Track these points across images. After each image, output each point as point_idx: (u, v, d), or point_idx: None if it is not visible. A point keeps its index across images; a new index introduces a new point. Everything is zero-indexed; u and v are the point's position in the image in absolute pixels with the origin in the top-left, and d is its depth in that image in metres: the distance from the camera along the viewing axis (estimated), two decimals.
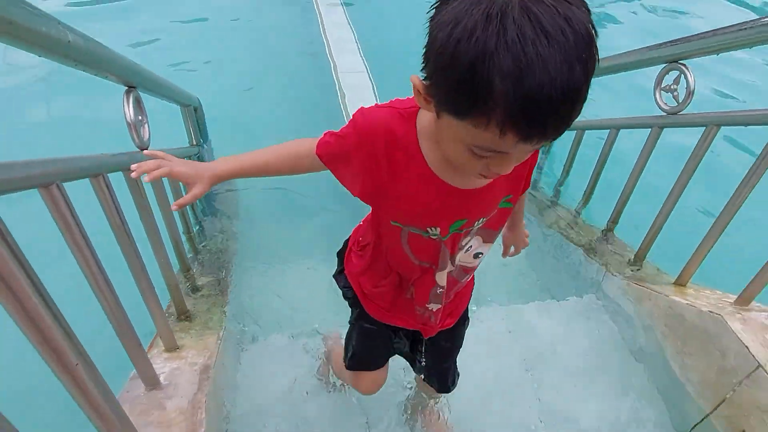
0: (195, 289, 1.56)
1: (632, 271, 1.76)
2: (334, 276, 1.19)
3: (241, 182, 2.35)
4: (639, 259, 1.77)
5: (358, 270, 1.08)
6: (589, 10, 0.58)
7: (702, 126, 1.47)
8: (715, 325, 1.34)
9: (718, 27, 1.37)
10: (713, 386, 1.35)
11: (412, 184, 0.81)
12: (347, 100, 2.92)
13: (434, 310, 1.04)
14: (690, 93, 1.51)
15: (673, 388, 1.49)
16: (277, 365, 1.56)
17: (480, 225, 0.90)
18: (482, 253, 0.98)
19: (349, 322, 1.20)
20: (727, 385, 1.30)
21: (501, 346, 1.67)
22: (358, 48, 3.62)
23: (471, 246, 0.95)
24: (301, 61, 3.67)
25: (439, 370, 1.27)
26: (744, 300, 1.37)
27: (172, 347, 1.29)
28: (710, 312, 1.37)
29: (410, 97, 0.78)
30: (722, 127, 1.45)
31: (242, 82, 3.37)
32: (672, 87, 1.57)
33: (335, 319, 1.60)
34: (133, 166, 0.84)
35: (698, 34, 1.44)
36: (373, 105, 0.83)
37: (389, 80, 3.14)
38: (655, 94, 1.62)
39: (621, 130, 1.95)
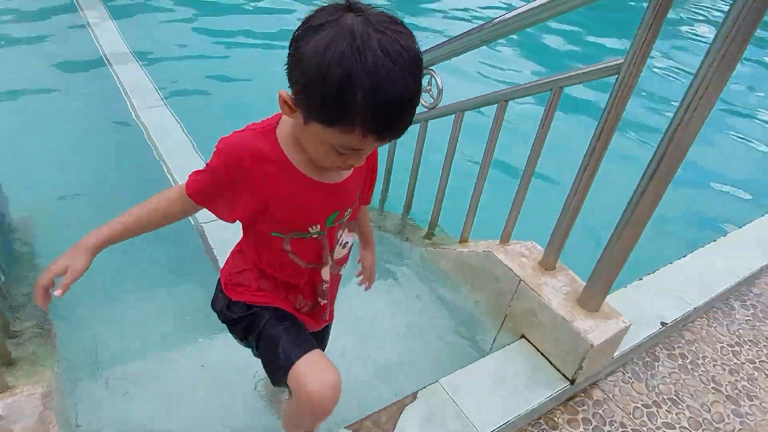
0: (15, 334, 1.49)
1: (428, 240, 2.14)
2: (220, 313, 1.12)
3: None
4: (431, 229, 2.16)
5: (244, 287, 1.08)
6: (414, 38, 0.77)
7: (452, 113, 1.90)
8: (488, 260, 1.73)
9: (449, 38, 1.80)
10: (497, 308, 1.73)
11: (289, 190, 0.91)
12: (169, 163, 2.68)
13: (322, 304, 1.14)
14: (440, 91, 1.92)
15: (473, 320, 1.85)
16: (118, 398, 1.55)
17: (347, 217, 1.05)
18: (349, 243, 1.12)
19: (258, 335, 1.05)
20: (505, 304, 1.69)
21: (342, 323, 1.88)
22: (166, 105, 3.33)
23: (342, 237, 1.08)
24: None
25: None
26: (504, 239, 1.79)
27: (2, 388, 1.24)
28: (484, 251, 1.76)
29: (262, 120, 0.92)
30: (468, 112, 1.89)
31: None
32: (427, 88, 1.98)
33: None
34: (37, 301, 0.90)
35: (437, 44, 1.86)
36: (232, 132, 0.91)
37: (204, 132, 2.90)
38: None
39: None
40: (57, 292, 0.89)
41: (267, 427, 1.52)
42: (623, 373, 1.68)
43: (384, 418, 1.39)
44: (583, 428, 1.49)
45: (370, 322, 1.92)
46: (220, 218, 0.97)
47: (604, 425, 1.51)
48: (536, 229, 1.81)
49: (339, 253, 1.10)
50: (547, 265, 1.64)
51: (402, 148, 2.21)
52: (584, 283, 1.53)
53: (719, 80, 1.10)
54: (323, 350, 1.17)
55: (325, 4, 0.77)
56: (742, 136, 4.14)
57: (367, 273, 1.34)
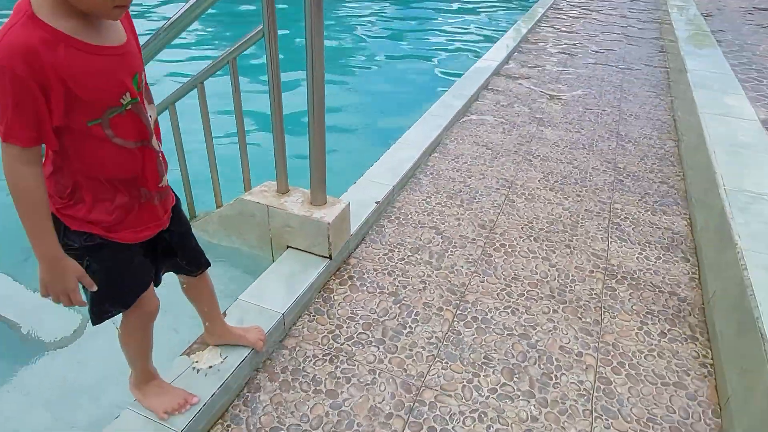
0: None
1: (193, 219, 2.50)
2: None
3: None
4: (191, 210, 2.52)
5: (83, 213, 1.06)
6: None
7: (165, 109, 2.27)
8: (240, 205, 2.19)
9: None
10: (262, 235, 2.21)
11: (83, 63, 0.90)
12: None
13: (163, 186, 1.16)
14: None
15: (252, 254, 2.30)
16: None
17: (144, 83, 1.06)
18: (153, 116, 1.11)
19: (92, 272, 1.09)
20: (266, 229, 2.17)
21: None
22: None
23: (148, 110, 1.08)
24: None
25: (193, 253, 1.38)
26: (247, 186, 2.26)
27: None
28: (234, 201, 2.21)
29: (12, 15, 0.86)
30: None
31: None
32: None
33: None
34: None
35: None
36: None
37: None
38: None
39: None
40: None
41: None
42: (365, 243, 2.33)
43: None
44: (349, 284, 2.08)
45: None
46: (47, 142, 0.94)
47: (363, 275, 2.12)
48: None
49: (152, 126, 1.10)
50: (282, 189, 2.18)
51: None
52: (308, 190, 2.11)
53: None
54: (190, 232, 1.34)
55: None
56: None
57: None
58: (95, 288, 1.11)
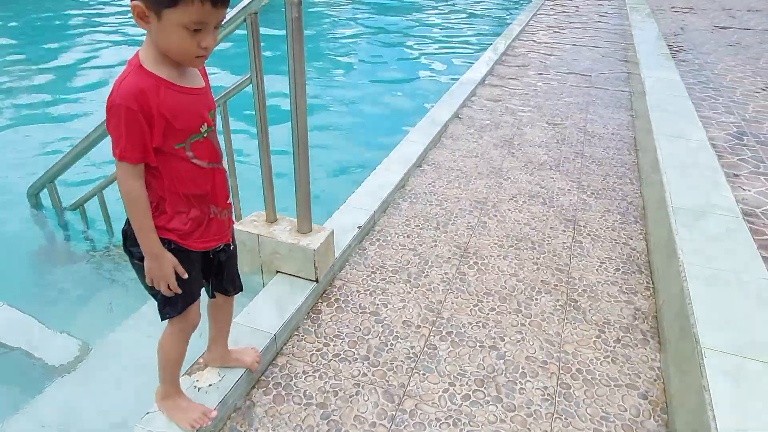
0: None
1: None
2: (128, 251, 1.35)
3: None
4: None
5: (164, 222, 1.30)
6: None
7: None
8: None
9: None
10: (254, 262, 2.39)
11: (177, 101, 1.18)
12: None
13: (228, 203, 1.41)
14: None
15: (245, 279, 2.47)
16: None
17: (212, 118, 1.31)
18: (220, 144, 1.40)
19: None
20: (257, 256, 2.36)
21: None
22: None
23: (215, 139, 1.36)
24: None
25: (235, 273, 1.62)
26: (237, 217, 2.44)
27: None
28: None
29: (125, 69, 1.14)
30: None
31: None
32: None
33: None
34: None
35: None
36: (112, 93, 1.13)
37: None
38: None
39: None
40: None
41: None
42: (349, 265, 2.52)
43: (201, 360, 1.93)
44: (335, 305, 2.26)
45: None
46: (149, 160, 1.20)
47: (347, 296, 2.31)
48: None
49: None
50: (271, 219, 2.36)
51: None
52: (295, 219, 2.30)
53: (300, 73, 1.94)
54: (236, 254, 1.58)
55: None
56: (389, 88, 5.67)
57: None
58: (186, 275, 1.35)
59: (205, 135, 1.29)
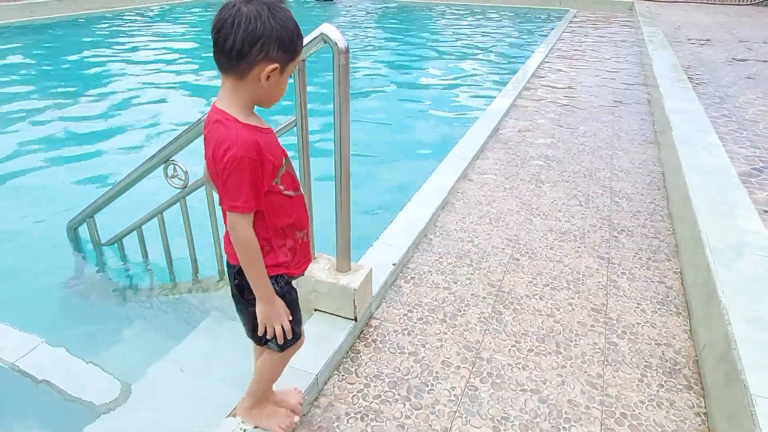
0: None
1: (221, 280, 2.71)
2: (244, 302, 1.45)
3: None
4: (222, 275, 2.73)
5: (274, 259, 1.40)
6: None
7: (201, 186, 2.52)
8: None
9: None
10: None
11: (269, 142, 1.29)
12: None
13: (309, 229, 1.56)
14: (185, 173, 2.53)
15: None
16: None
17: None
18: None
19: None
20: None
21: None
22: None
23: None
24: None
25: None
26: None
27: None
28: None
29: (227, 114, 1.23)
30: None
31: None
32: (175, 174, 2.56)
33: None
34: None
35: (174, 138, 2.46)
36: (223, 152, 1.21)
37: None
38: (169, 183, 2.59)
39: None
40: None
41: None
42: (385, 303, 2.53)
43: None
44: (373, 346, 2.27)
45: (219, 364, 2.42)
46: (260, 204, 1.29)
47: (385, 336, 2.32)
48: None
49: None
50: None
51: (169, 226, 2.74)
52: (334, 257, 2.33)
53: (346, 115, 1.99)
54: None
55: (224, 5, 1.19)
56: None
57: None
58: (291, 317, 1.47)
59: (285, 167, 1.38)
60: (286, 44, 1.20)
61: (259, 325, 1.41)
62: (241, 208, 1.25)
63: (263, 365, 1.65)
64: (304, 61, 2.02)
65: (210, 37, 1.20)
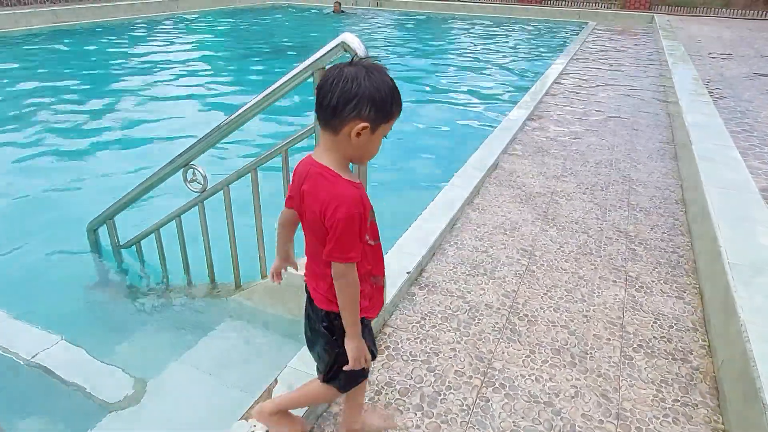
0: None
1: (237, 288, 2.73)
2: (333, 342, 1.52)
3: None
4: (237, 280, 2.76)
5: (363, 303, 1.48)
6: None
7: (220, 190, 2.55)
8: (286, 277, 2.43)
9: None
10: None
11: (363, 197, 1.35)
12: None
13: (383, 276, 1.56)
14: (205, 177, 2.56)
15: (296, 322, 2.51)
16: None
17: None
18: None
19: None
20: None
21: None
22: None
23: None
24: None
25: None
26: None
27: None
28: None
29: (324, 182, 1.31)
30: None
31: None
32: (195, 178, 2.59)
33: None
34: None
35: (193, 144, 2.49)
36: (336, 205, 1.28)
37: None
38: (188, 187, 2.62)
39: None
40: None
41: None
42: (398, 311, 2.54)
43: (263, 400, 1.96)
44: (386, 353, 2.27)
45: (232, 368, 2.44)
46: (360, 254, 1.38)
47: (398, 343, 2.32)
48: None
49: None
50: None
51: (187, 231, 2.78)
52: None
53: None
54: None
55: (330, 66, 1.31)
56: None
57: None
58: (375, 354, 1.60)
59: (371, 220, 1.44)
60: (378, 105, 1.26)
61: (351, 360, 1.47)
62: (354, 259, 1.34)
63: (314, 391, 1.71)
64: (323, 69, 2.05)
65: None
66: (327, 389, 1.65)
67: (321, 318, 1.51)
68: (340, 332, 1.48)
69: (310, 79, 2.07)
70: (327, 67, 1.33)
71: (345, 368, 1.50)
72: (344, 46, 1.93)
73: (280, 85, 2.14)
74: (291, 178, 1.49)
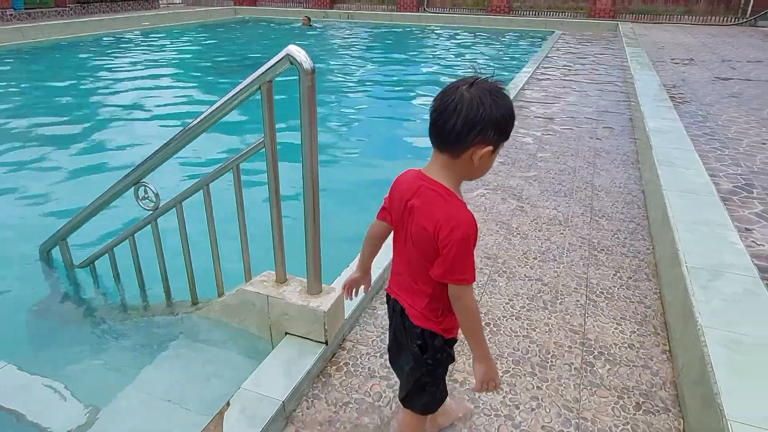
0: None
1: (194, 305, 2.65)
2: (428, 360, 1.49)
3: None
4: (193, 297, 2.68)
5: (452, 322, 1.45)
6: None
7: (172, 207, 2.48)
8: (241, 295, 2.36)
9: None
10: (262, 323, 2.36)
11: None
12: None
13: None
14: (156, 195, 2.48)
15: (253, 340, 2.44)
16: None
17: None
18: None
19: (438, 372, 1.55)
20: (266, 317, 2.33)
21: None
22: None
23: None
24: None
25: None
26: (247, 277, 2.43)
27: None
28: (236, 290, 2.38)
29: (444, 201, 1.29)
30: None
31: None
32: (146, 196, 2.51)
33: None
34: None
35: (144, 161, 2.42)
36: (460, 224, 1.27)
37: None
38: (140, 204, 2.54)
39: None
40: None
41: None
42: (359, 326, 2.48)
43: (211, 427, 1.88)
44: (345, 370, 2.22)
45: (188, 390, 2.35)
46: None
47: (357, 359, 2.27)
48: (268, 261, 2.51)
49: None
50: (281, 279, 2.35)
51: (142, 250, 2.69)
52: (305, 279, 2.29)
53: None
54: None
55: (447, 87, 1.27)
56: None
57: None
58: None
59: None
60: (503, 128, 1.25)
61: (478, 383, 1.44)
62: (469, 281, 1.31)
63: (408, 426, 1.70)
64: (271, 82, 2.00)
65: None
66: (412, 417, 1.66)
67: (416, 335, 1.47)
68: (432, 352, 1.47)
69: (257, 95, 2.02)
70: (444, 88, 1.27)
71: (474, 390, 1.48)
72: (290, 59, 1.89)
73: (227, 100, 2.09)
74: (389, 191, 1.48)
